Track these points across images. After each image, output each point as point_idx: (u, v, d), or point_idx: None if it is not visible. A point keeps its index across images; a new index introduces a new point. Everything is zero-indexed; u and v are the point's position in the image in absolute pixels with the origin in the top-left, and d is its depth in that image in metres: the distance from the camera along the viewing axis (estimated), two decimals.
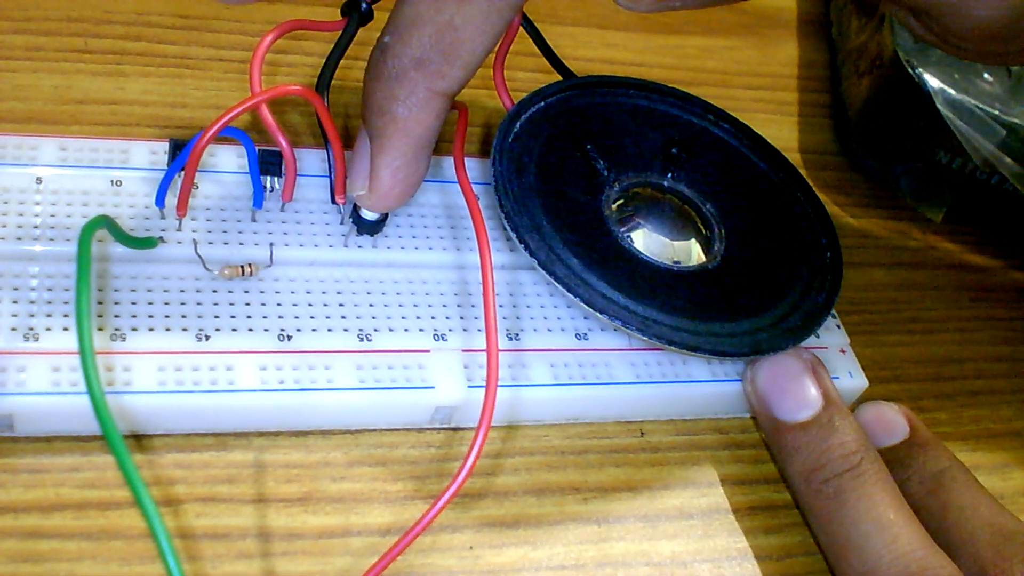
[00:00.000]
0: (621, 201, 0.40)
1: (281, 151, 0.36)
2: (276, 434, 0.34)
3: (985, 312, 0.48)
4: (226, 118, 0.32)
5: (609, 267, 0.37)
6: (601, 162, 0.41)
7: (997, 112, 0.46)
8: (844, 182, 0.51)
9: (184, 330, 0.33)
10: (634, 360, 0.38)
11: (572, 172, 0.40)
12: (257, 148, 0.36)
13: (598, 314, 0.36)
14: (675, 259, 0.39)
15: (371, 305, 0.36)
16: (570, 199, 0.39)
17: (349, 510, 0.33)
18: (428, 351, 0.35)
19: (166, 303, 0.34)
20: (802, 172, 0.43)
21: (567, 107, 0.42)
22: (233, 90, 0.44)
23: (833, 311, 0.40)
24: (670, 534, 0.36)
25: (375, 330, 0.35)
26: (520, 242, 0.36)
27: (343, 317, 0.35)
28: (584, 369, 0.37)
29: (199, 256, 0.35)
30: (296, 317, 0.35)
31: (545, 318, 0.38)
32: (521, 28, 0.41)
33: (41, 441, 0.32)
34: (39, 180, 0.36)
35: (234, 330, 0.34)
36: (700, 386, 0.38)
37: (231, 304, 0.35)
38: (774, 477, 0.38)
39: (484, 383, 0.33)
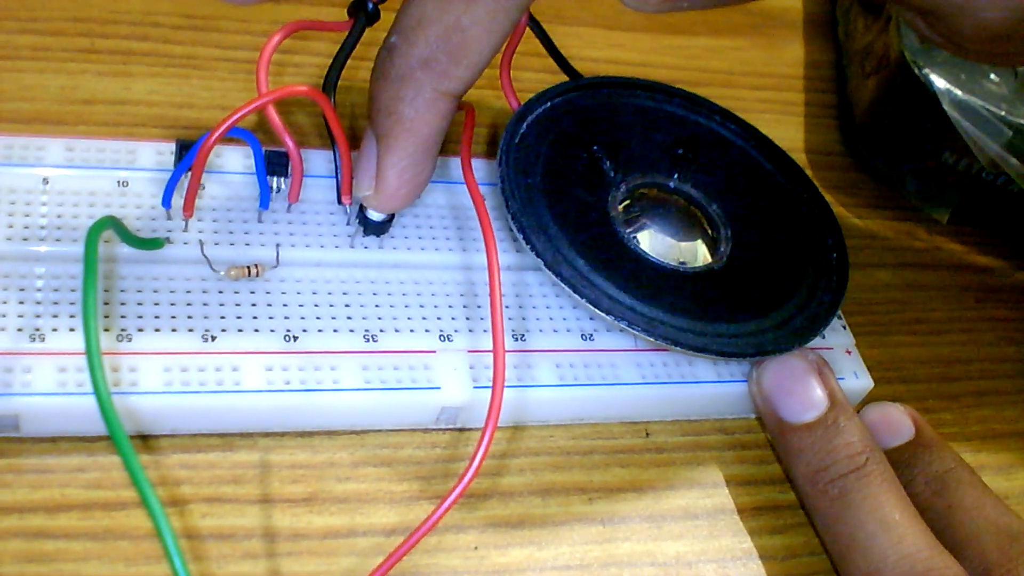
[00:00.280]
0: (627, 202, 0.40)
1: (288, 152, 0.36)
2: (282, 434, 0.34)
3: (991, 313, 0.48)
4: (233, 119, 0.32)
5: (615, 268, 0.37)
6: (607, 163, 0.41)
7: (1003, 113, 0.46)
8: (850, 182, 0.51)
9: (190, 331, 0.34)
10: (640, 361, 0.38)
11: (578, 173, 0.40)
12: (264, 149, 0.36)
13: (604, 315, 0.36)
14: (681, 260, 0.39)
15: (377, 306, 0.36)
16: (576, 200, 0.39)
17: (354, 510, 0.34)
18: (434, 352, 0.35)
19: (172, 304, 0.34)
20: (808, 172, 0.43)
21: (574, 108, 0.42)
22: (239, 90, 0.44)
23: (839, 312, 0.40)
24: (675, 534, 0.36)
25: (381, 331, 0.35)
26: (526, 243, 0.36)
27: (349, 318, 0.35)
28: (590, 370, 0.37)
29: (205, 257, 0.35)
30: (302, 318, 0.35)
31: (551, 319, 0.38)
32: (528, 29, 0.41)
33: (47, 441, 0.32)
34: (46, 180, 0.36)
35: (240, 331, 0.34)
36: (705, 387, 0.38)
37: (237, 305, 0.35)
38: (779, 478, 0.38)
39: (490, 384, 0.33)
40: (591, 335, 0.38)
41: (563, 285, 0.36)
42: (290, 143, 0.35)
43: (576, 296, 0.36)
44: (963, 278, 0.49)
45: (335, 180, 0.38)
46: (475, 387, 0.35)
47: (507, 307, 0.38)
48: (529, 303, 0.38)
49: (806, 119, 0.54)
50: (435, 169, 0.36)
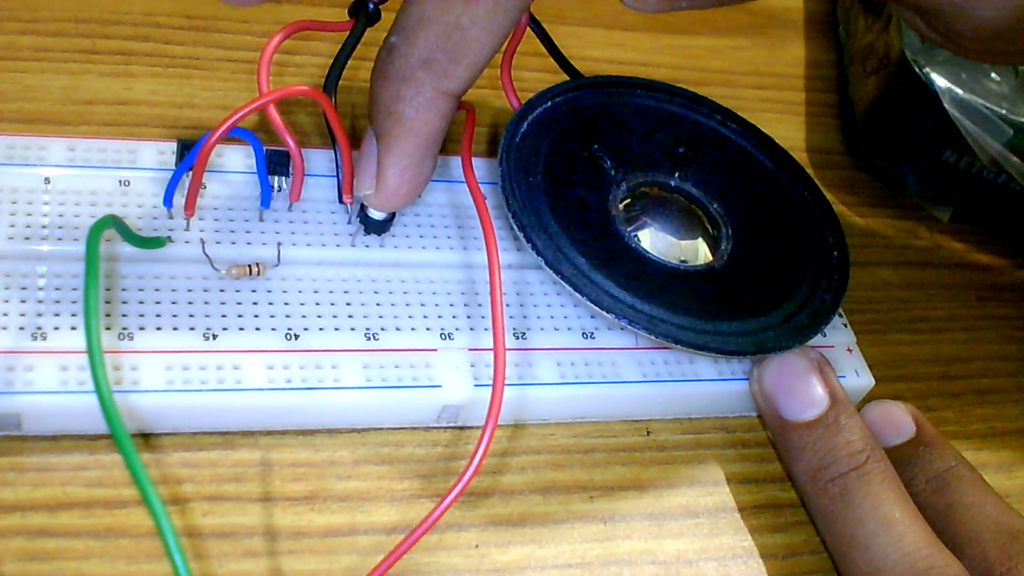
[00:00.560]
0: (628, 200, 0.40)
1: (289, 151, 0.36)
2: (283, 433, 0.34)
3: (992, 311, 0.48)
4: (234, 118, 0.33)
5: (616, 266, 0.37)
6: (608, 162, 0.41)
7: (1004, 111, 0.46)
8: (851, 181, 0.51)
9: (191, 329, 0.34)
10: (641, 359, 0.38)
11: (579, 172, 0.40)
12: (265, 148, 0.36)
13: (605, 313, 0.36)
14: (682, 258, 0.39)
15: (378, 304, 0.36)
16: (577, 199, 0.39)
17: (355, 509, 0.34)
18: (435, 350, 0.36)
19: (174, 302, 0.34)
20: (809, 171, 0.43)
21: (574, 107, 0.42)
22: (241, 90, 0.44)
23: (840, 310, 0.40)
24: (676, 533, 0.36)
25: (382, 329, 0.35)
26: (527, 241, 0.36)
27: (350, 316, 0.36)
28: (591, 368, 0.37)
29: (207, 256, 0.35)
30: (303, 316, 0.35)
31: (552, 317, 0.38)
32: (529, 28, 0.41)
33: (48, 440, 0.32)
34: (47, 180, 0.36)
35: (241, 329, 0.34)
36: (706, 385, 0.38)
37: (238, 303, 0.35)
38: (780, 476, 0.38)
39: (491, 382, 0.33)
40: (592, 333, 0.38)
41: (564, 283, 0.36)
42: (291, 142, 0.35)
43: (577, 294, 0.36)
44: (964, 276, 0.49)
45: (336, 179, 0.38)
46: (476, 385, 0.35)
47: (508, 305, 0.38)
48: (530, 301, 0.38)
49: (807, 118, 0.54)
50: (436, 168, 0.36)
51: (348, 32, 0.38)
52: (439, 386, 0.35)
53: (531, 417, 0.37)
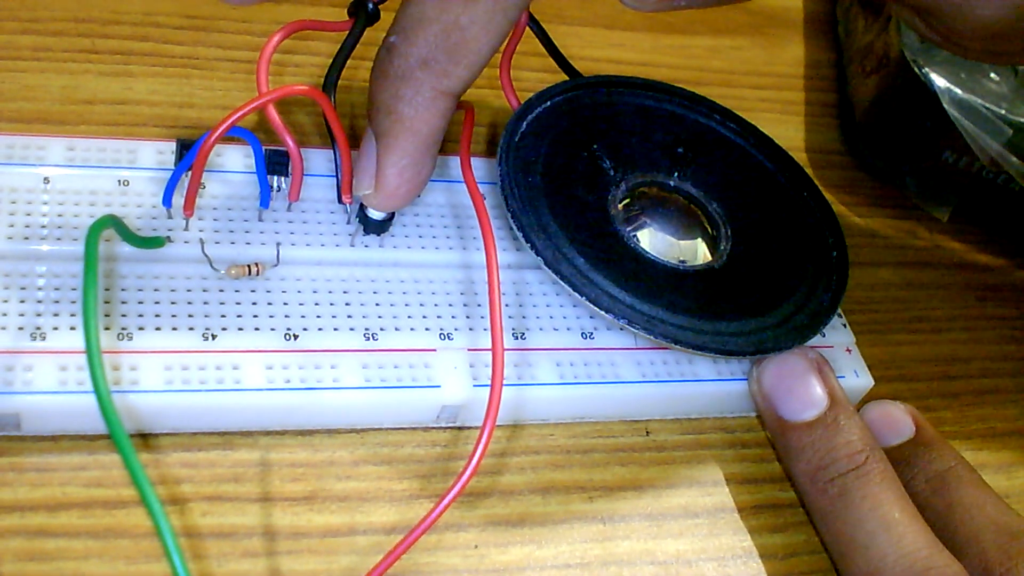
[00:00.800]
0: (627, 200, 0.40)
1: (288, 151, 0.36)
2: (282, 433, 0.34)
3: (991, 311, 0.48)
4: (233, 118, 0.33)
5: (615, 266, 0.37)
6: (607, 161, 0.41)
7: (1003, 111, 0.46)
8: (850, 181, 0.51)
9: (191, 329, 0.34)
10: (640, 359, 0.38)
11: (578, 172, 0.40)
12: (264, 148, 0.36)
13: (604, 313, 0.36)
14: (681, 258, 0.39)
15: (377, 304, 0.36)
16: (576, 198, 0.39)
17: (355, 509, 0.34)
18: (434, 350, 0.36)
19: (173, 302, 0.34)
20: (808, 171, 0.43)
21: (574, 107, 0.42)
22: (240, 90, 0.44)
23: (839, 310, 0.40)
24: (675, 533, 0.36)
25: (381, 329, 0.35)
26: (526, 241, 0.36)
27: (349, 316, 0.36)
28: (590, 368, 0.37)
29: (206, 255, 0.35)
30: (302, 316, 0.35)
31: (551, 317, 0.38)
32: (528, 28, 0.41)
33: (48, 440, 0.32)
34: (47, 180, 0.36)
35: (240, 329, 0.34)
36: (706, 385, 0.38)
37: (238, 303, 0.35)
38: (779, 476, 0.38)
39: (489, 382, 0.33)
40: (591, 333, 0.38)
41: (563, 283, 0.36)
42: (290, 142, 0.35)
43: (576, 294, 0.36)
44: (964, 276, 0.49)
45: (335, 179, 0.38)
46: (475, 385, 0.35)
47: (507, 305, 0.38)
48: (529, 301, 0.38)
49: (806, 118, 0.54)
50: (435, 168, 0.36)
51: (347, 32, 0.38)
52: (438, 386, 0.35)
53: (530, 417, 0.37)
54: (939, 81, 0.47)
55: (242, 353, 0.34)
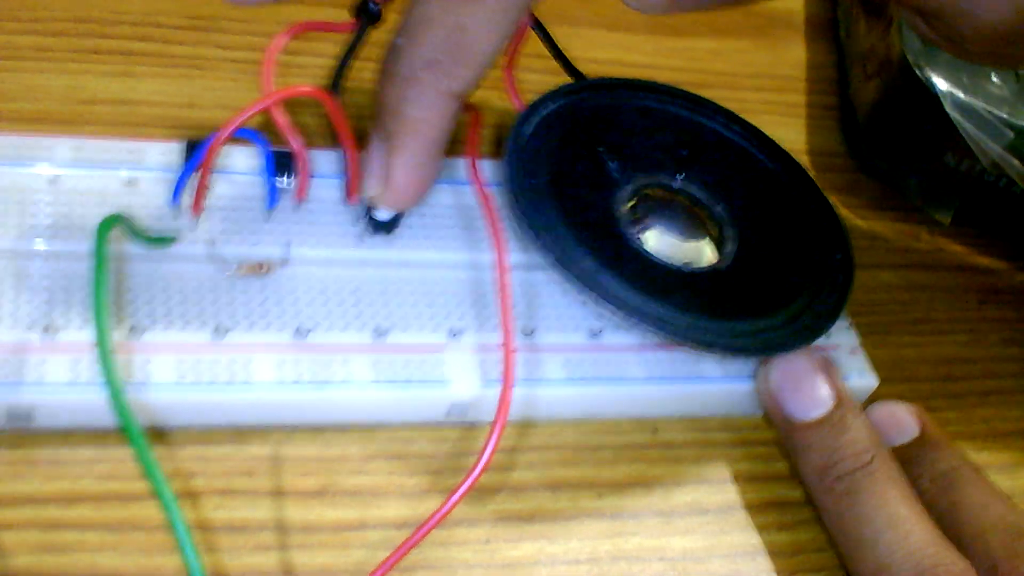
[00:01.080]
0: (633, 202, 0.41)
1: (294, 151, 0.36)
2: (293, 429, 0.35)
3: (993, 313, 0.48)
4: (242, 118, 0.33)
5: (623, 267, 0.37)
6: (612, 163, 0.41)
7: (1005, 115, 0.46)
8: (852, 184, 0.51)
9: (201, 326, 0.34)
10: (647, 358, 0.38)
11: (584, 173, 0.40)
12: (270, 149, 0.36)
13: (616, 312, 0.36)
14: (686, 260, 0.39)
15: (386, 303, 0.36)
16: (582, 200, 0.39)
17: (366, 504, 0.34)
18: (443, 347, 0.36)
19: (182, 301, 0.34)
20: (810, 174, 0.44)
21: (578, 108, 0.42)
22: (243, 91, 0.44)
23: (844, 311, 0.40)
24: (684, 530, 0.36)
25: (390, 327, 0.36)
26: (535, 240, 0.37)
27: (359, 315, 0.36)
28: (598, 367, 0.37)
29: (215, 255, 0.35)
30: (312, 314, 0.35)
31: (558, 316, 0.38)
32: (531, 30, 0.41)
33: (60, 434, 0.33)
34: (53, 180, 0.36)
35: (251, 326, 0.34)
36: (713, 384, 0.38)
37: (247, 302, 0.35)
38: (786, 474, 0.38)
39: (498, 380, 0.33)
40: (599, 332, 0.38)
41: (569, 283, 0.36)
42: (295, 143, 0.36)
43: (587, 294, 0.36)
44: (965, 279, 0.49)
45: (342, 180, 0.38)
46: (484, 383, 0.35)
47: (515, 305, 0.38)
48: (536, 301, 0.38)
49: (808, 121, 0.54)
50: (442, 169, 0.36)
51: (352, 33, 0.38)
52: (448, 383, 0.35)
53: (539, 415, 0.37)
54: (941, 84, 0.47)
55: (253, 350, 0.34)
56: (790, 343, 0.38)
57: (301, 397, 0.33)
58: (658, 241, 0.40)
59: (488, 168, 0.41)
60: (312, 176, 0.38)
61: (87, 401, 0.31)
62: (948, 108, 0.46)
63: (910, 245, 0.50)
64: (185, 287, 0.35)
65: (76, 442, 0.33)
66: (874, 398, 0.40)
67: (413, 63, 0.33)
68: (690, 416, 0.39)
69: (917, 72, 0.47)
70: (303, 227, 0.37)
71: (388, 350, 0.35)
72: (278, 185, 0.38)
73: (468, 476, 0.32)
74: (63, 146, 0.37)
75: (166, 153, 0.38)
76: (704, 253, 0.40)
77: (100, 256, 0.30)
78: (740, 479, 0.38)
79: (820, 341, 0.39)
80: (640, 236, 0.39)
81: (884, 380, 0.40)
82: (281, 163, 0.38)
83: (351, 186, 0.37)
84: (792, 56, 0.57)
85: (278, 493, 0.33)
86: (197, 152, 0.34)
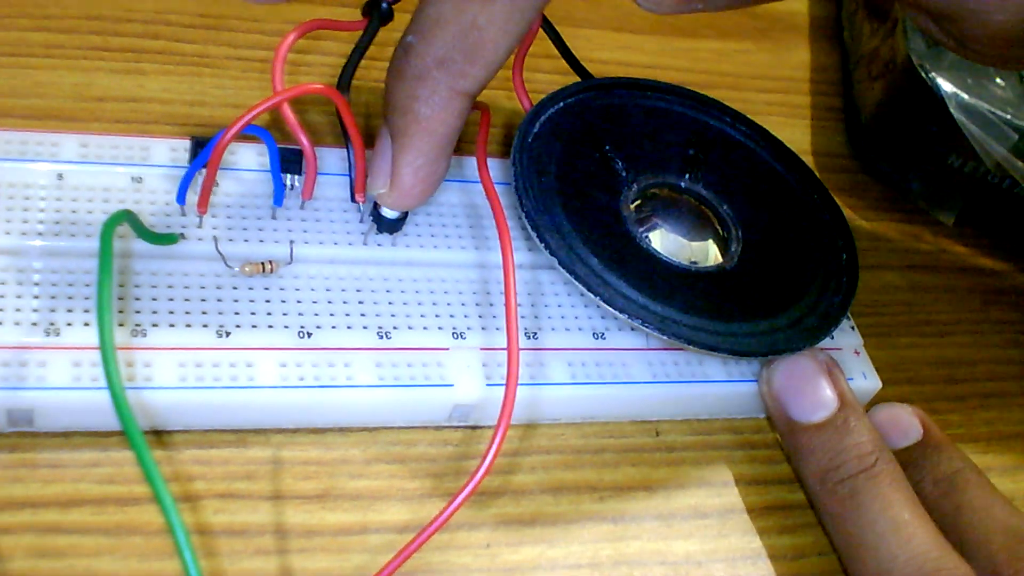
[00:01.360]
0: (639, 201, 0.41)
1: (302, 149, 0.36)
2: (295, 431, 0.34)
3: (997, 315, 0.48)
4: (249, 115, 0.33)
5: (627, 267, 0.37)
6: (619, 163, 0.41)
7: (1009, 116, 0.46)
8: (856, 185, 0.51)
9: (204, 326, 0.34)
10: (651, 360, 0.38)
11: (591, 173, 0.40)
12: (278, 146, 0.36)
13: (617, 313, 0.36)
14: (692, 259, 0.39)
15: (391, 303, 0.36)
16: (589, 199, 0.39)
17: (367, 507, 0.34)
18: (447, 349, 0.36)
19: (187, 299, 0.34)
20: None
21: (586, 108, 0.42)
22: (252, 89, 0.44)
23: (848, 313, 0.40)
24: (685, 533, 0.36)
25: (394, 328, 0.35)
26: (540, 241, 0.36)
27: (363, 315, 0.36)
28: (601, 368, 0.37)
29: (220, 253, 0.35)
30: (316, 314, 0.35)
31: (563, 317, 0.38)
32: (540, 30, 0.41)
33: (60, 436, 0.32)
34: (61, 176, 0.36)
35: (254, 327, 0.34)
36: (716, 386, 0.38)
37: (251, 301, 0.35)
38: (789, 477, 0.38)
39: (502, 381, 0.33)
40: (603, 334, 0.38)
41: (576, 283, 0.36)
42: (305, 141, 0.36)
43: (589, 294, 0.36)
44: (969, 280, 0.49)
45: (349, 178, 0.38)
46: (488, 385, 0.35)
47: (520, 305, 0.38)
48: (541, 301, 0.38)
49: (812, 122, 0.54)
50: (449, 168, 0.36)
51: (362, 31, 0.38)
52: (451, 385, 0.35)
53: (542, 417, 0.37)
54: (945, 86, 0.47)
55: (256, 350, 0.34)
56: (794, 345, 0.38)
57: (303, 399, 0.33)
58: (664, 240, 0.40)
59: (495, 167, 0.41)
60: (319, 174, 0.38)
61: (89, 403, 0.31)
62: (952, 109, 0.46)
63: (913, 246, 0.50)
64: (189, 287, 0.35)
65: (77, 444, 0.32)
66: (877, 400, 0.40)
67: (425, 61, 0.33)
68: (693, 418, 0.39)
69: (921, 74, 0.47)
70: (309, 225, 0.37)
71: (392, 351, 0.35)
72: (285, 183, 0.38)
73: (470, 480, 0.31)
74: (70, 142, 0.37)
75: (173, 150, 0.38)
76: (710, 253, 0.40)
77: (105, 255, 0.30)
78: (742, 482, 0.38)
79: (824, 342, 0.39)
80: (646, 235, 0.39)
81: (887, 382, 0.40)
82: (289, 161, 0.38)
83: (358, 184, 0.37)
84: (796, 58, 0.57)
85: (279, 497, 0.33)
86: (204, 150, 0.34)
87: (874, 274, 0.47)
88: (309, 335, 0.34)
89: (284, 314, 0.35)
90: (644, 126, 0.43)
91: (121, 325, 0.33)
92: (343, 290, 0.36)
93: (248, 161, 0.38)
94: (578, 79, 0.44)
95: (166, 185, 0.37)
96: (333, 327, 0.35)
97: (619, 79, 0.43)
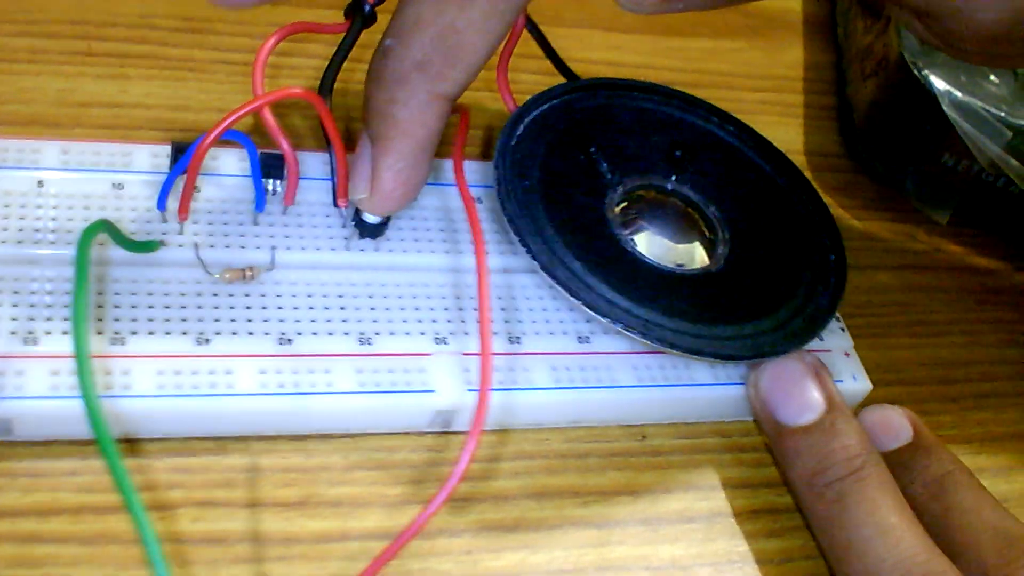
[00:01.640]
0: (625, 204, 0.40)
1: (283, 154, 0.36)
2: (275, 438, 0.34)
3: (991, 315, 0.47)
4: (228, 121, 0.32)
5: (612, 270, 0.37)
6: (605, 164, 0.41)
7: (1003, 114, 0.46)
8: (850, 184, 0.51)
9: (184, 334, 0.33)
10: (636, 363, 0.38)
11: (576, 175, 0.40)
12: (259, 151, 0.36)
13: (600, 317, 0.36)
14: (678, 262, 0.39)
15: (372, 308, 0.36)
16: (573, 202, 0.39)
17: (347, 514, 0.33)
18: (429, 355, 0.35)
19: (166, 307, 0.34)
20: (807, 174, 0.43)
21: (571, 109, 0.42)
22: (237, 93, 0.44)
23: (837, 314, 0.40)
24: (671, 538, 0.36)
25: (376, 333, 0.35)
26: (522, 245, 0.36)
27: (344, 320, 0.35)
28: (586, 372, 0.37)
29: (200, 259, 0.35)
30: (297, 320, 0.35)
31: (547, 321, 0.38)
32: (525, 30, 0.41)
33: (39, 445, 0.32)
34: (41, 183, 0.36)
35: (234, 334, 0.34)
36: (702, 389, 0.38)
37: (231, 308, 0.35)
38: (776, 481, 0.38)
39: (480, 386, 0.33)
40: (587, 338, 0.37)
41: (559, 287, 0.36)
42: (285, 146, 0.35)
43: (572, 299, 0.36)
44: (963, 280, 0.49)
45: (331, 183, 0.38)
46: (469, 390, 0.35)
47: (503, 310, 0.37)
48: (525, 305, 0.38)
49: (806, 121, 0.53)
50: (431, 171, 0.35)
51: (344, 34, 0.38)
52: (432, 391, 0.35)
53: (525, 422, 0.37)
54: (939, 83, 0.46)
55: (235, 358, 0.33)
56: (780, 348, 0.37)
57: (283, 406, 0.33)
58: (649, 243, 0.40)
59: (479, 169, 0.41)
60: (301, 178, 0.37)
61: (67, 412, 0.31)
62: (946, 108, 0.46)
63: (907, 245, 0.49)
64: (169, 293, 0.34)
65: (56, 453, 0.32)
66: (869, 401, 0.40)
67: (403, 64, 0.33)
68: (680, 421, 0.39)
69: (915, 71, 0.47)
70: (291, 230, 0.37)
71: (373, 357, 0.35)
72: (267, 188, 0.37)
73: (443, 488, 0.31)
74: (51, 149, 0.37)
75: (154, 156, 0.38)
76: (696, 255, 0.40)
77: (82, 266, 0.30)
78: (729, 485, 0.38)
79: (813, 344, 0.39)
80: (631, 238, 0.39)
81: (879, 383, 0.40)
82: (270, 165, 0.37)
83: (340, 189, 0.37)
84: (789, 56, 0.57)
85: (258, 504, 0.33)
86: (183, 156, 0.34)
87: (867, 274, 0.47)
88: (289, 341, 0.34)
89: (264, 320, 0.35)
90: (630, 127, 0.42)
91: (100, 333, 0.33)
92: (324, 296, 0.36)
93: (230, 166, 0.38)
94: (564, 80, 0.43)
95: (147, 191, 0.36)
96: (314, 333, 0.35)
97: (605, 80, 0.43)
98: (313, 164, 0.39)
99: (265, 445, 0.34)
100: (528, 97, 0.41)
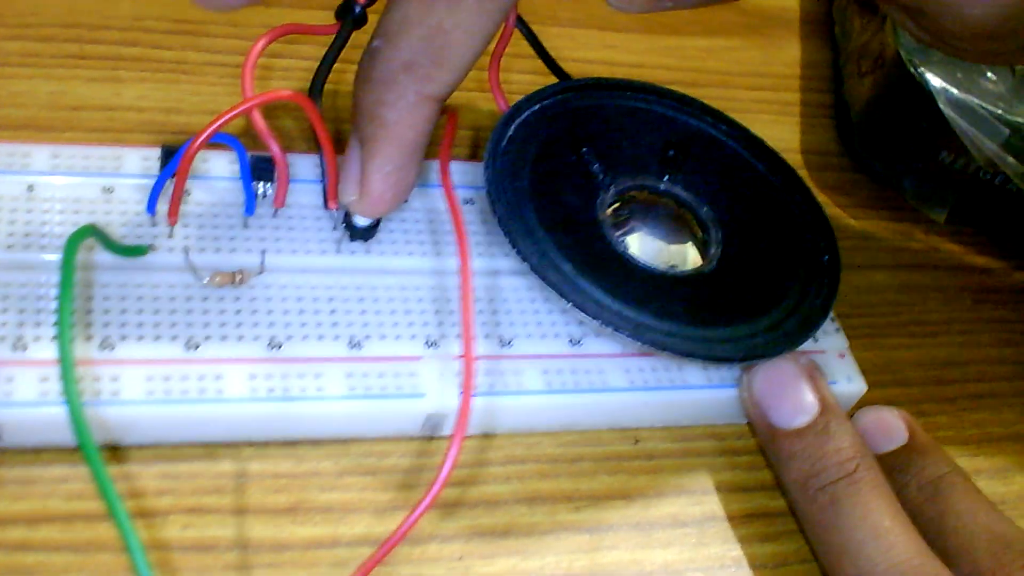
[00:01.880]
0: (617, 205, 0.40)
1: (273, 157, 0.36)
2: (265, 444, 0.34)
3: (988, 314, 0.47)
4: (217, 124, 0.32)
5: (603, 272, 0.37)
6: (597, 165, 0.40)
7: (1000, 112, 0.45)
8: (846, 183, 0.51)
9: (173, 339, 0.33)
10: (628, 366, 0.37)
11: (567, 175, 0.40)
12: (249, 154, 0.36)
13: (591, 319, 0.36)
14: (671, 263, 0.39)
15: (363, 312, 0.36)
16: (565, 203, 0.39)
17: (338, 520, 0.33)
18: (419, 358, 0.35)
19: (156, 311, 0.34)
20: (804, 173, 0.43)
21: (563, 109, 0.41)
22: (229, 95, 0.44)
23: (832, 315, 0.40)
24: (664, 542, 0.36)
25: (366, 337, 0.35)
26: (512, 246, 0.36)
27: (334, 324, 0.35)
28: (578, 376, 0.37)
29: (190, 264, 0.35)
30: (287, 325, 0.35)
31: (539, 324, 0.37)
32: (517, 30, 0.41)
33: (29, 452, 0.32)
34: (31, 188, 0.36)
35: (224, 338, 0.34)
36: (695, 392, 0.38)
37: (221, 312, 0.34)
38: (770, 484, 0.38)
39: (475, 391, 0.33)
40: (579, 340, 0.37)
41: (550, 289, 0.36)
42: (275, 148, 0.35)
43: (563, 301, 0.36)
44: (960, 279, 0.49)
45: (321, 185, 0.37)
46: (460, 394, 0.35)
47: (494, 312, 0.37)
48: (516, 308, 0.38)
49: (802, 119, 0.53)
50: (421, 173, 0.35)
51: (334, 35, 0.37)
52: (423, 395, 0.34)
53: (517, 426, 0.37)
54: (935, 81, 0.46)
55: (225, 363, 0.33)
56: (772, 350, 0.37)
57: (273, 411, 0.33)
58: (642, 244, 0.39)
59: (470, 170, 0.41)
60: (291, 181, 0.37)
61: (57, 419, 0.31)
62: (943, 105, 0.46)
63: (904, 244, 0.49)
64: (158, 298, 0.34)
65: (46, 461, 0.32)
66: (864, 402, 0.40)
67: (391, 65, 0.33)
68: (673, 424, 0.39)
69: (911, 69, 0.47)
70: (282, 234, 0.37)
71: (363, 362, 0.35)
72: (257, 191, 0.37)
73: (427, 494, 0.31)
74: (41, 153, 0.37)
75: (145, 159, 0.38)
76: (689, 256, 0.40)
77: (67, 272, 0.30)
78: (722, 489, 0.37)
79: (808, 345, 0.39)
80: (623, 239, 0.39)
81: (875, 384, 0.40)
82: (260, 168, 0.37)
83: (330, 192, 0.36)
84: (786, 54, 0.57)
85: (248, 511, 0.33)
86: (173, 159, 0.34)
87: (863, 273, 0.47)
88: (279, 346, 0.34)
89: (254, 325, 0.34)
90: (622, 127, 0.42)
91: (89, 339, 0.33)
92: (315, 299, 0.36)
93: (220, 169, 0.38)
94: (556, 80, 0.43)
95: (137, 195, 0.36)
96: (304, 337, 0.35)
97: (597, 79, 0.43)
98: (303, 167, 0.39)
99: (255, 451, 0.34)
100: (520, 97, 0.41)
